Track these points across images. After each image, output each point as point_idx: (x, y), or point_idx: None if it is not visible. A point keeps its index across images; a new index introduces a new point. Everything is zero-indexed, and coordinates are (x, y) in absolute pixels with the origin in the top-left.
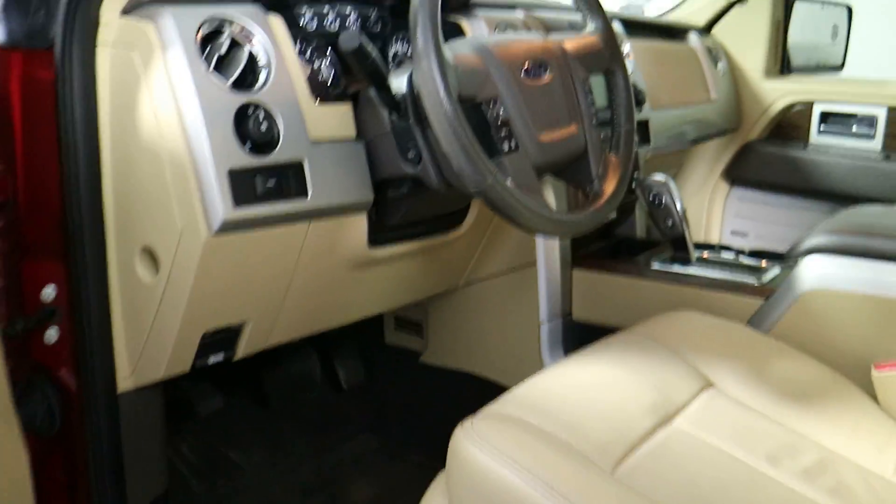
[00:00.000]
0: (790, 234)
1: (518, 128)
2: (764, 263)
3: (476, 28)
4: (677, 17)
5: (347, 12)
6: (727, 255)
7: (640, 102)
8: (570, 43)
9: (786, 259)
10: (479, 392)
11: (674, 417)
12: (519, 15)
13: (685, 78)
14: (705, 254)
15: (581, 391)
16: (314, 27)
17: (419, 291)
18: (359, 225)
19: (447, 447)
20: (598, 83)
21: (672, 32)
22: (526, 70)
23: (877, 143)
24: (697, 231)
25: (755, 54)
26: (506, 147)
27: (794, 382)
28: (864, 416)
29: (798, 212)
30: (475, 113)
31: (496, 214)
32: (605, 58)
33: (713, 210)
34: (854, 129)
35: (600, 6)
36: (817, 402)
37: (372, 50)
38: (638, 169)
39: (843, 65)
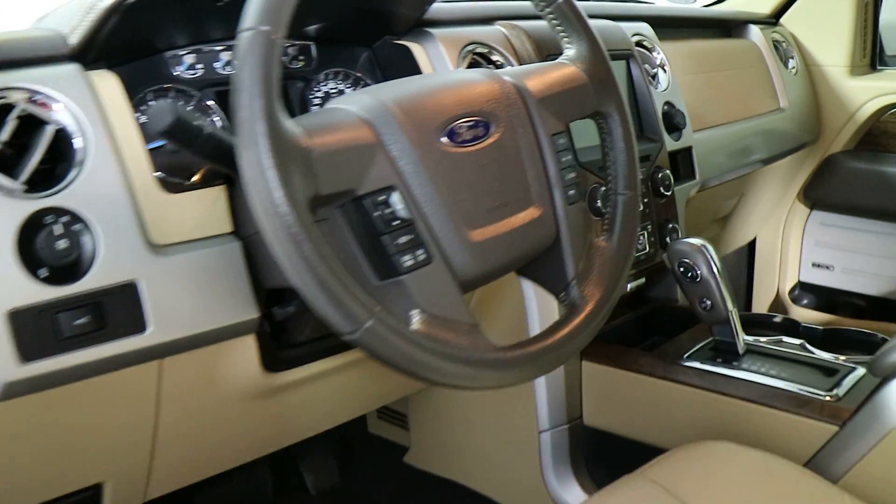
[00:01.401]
0: (886, 269)
1: (429, 228)
2: (843, 359)
3: (434, 54)
4: (735, 6)
5: None
6: (791, 342)
7: (676, 127)
8: (537, 80)
9: (874, 366)
10: None
11: None
12: (499, 31)
13: (745, 84)
14: (762, 339)
15: None
16: (198, 73)
17: (371, 400)
18: (245, 350)
19: None
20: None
21: (726, 27)
22: (451, 133)
23: None
24: (771, 265)
25: (837, 46)
26: (408, 261)
27: None
28: None
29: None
30: (354, 213)
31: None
32: (593, 96)
33: (790, 239)
34: None
35: (582, 18)
36: None
37: (203, 121)
38: (673, 221)
39: None
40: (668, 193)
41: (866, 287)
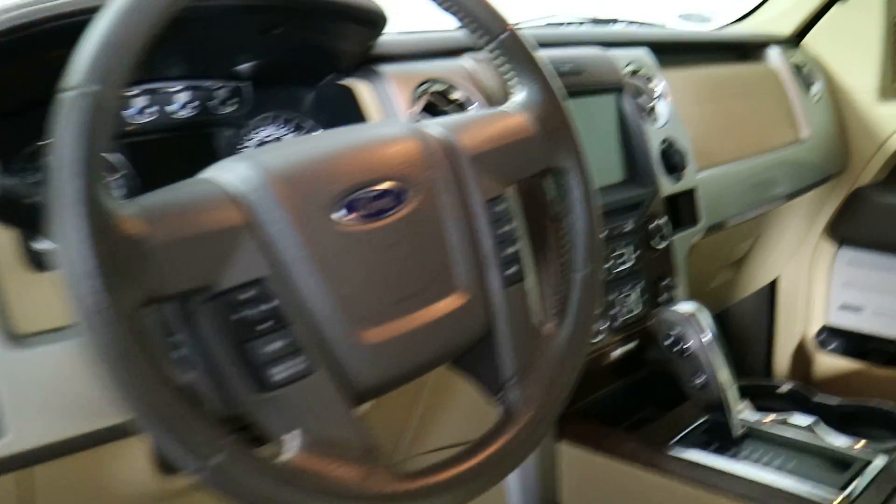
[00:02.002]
0: None
1: (313, 330)
2: (861, 444)
3: (382, 96)
4: (753, 27)
5: (174, 90)
6: (800, 421)
7: (675, 167)
8: (473, 132)
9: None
10: None
11: None
12: (465, 65)
13: (762, 113)
14: (767, 418)
15: None
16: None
17: None
18: (133, 451)
19: None
20: None
21: (741, 50)
22: (349, 206)
23: None
24: (795, 307)
25: (865, 68)
26: (280, 373)
27: None
28: None
29: None
30: (215, 312)
31: None
32: (544, 150)
33: (815, 279)
34: None
35: (531, 56)
36: None
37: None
38: (670, 276)
39: None
40: (663, 246)
41: None
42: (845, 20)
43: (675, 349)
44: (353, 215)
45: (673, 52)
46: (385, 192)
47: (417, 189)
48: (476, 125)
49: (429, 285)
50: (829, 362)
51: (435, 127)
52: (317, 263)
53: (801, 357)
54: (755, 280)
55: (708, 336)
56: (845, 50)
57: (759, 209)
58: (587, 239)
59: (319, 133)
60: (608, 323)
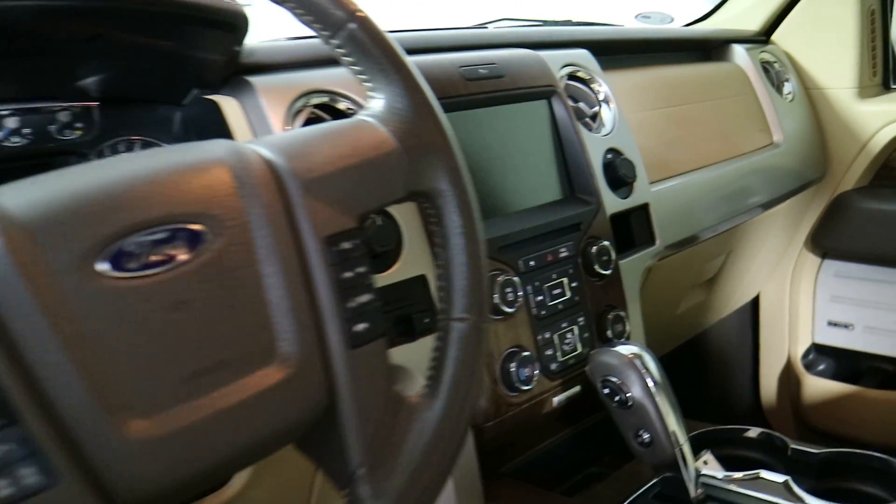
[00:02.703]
0: None
1: (55, 426)
2: None
3: (254, 112)
4: (718, 25)
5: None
6: (773, 479)
7: (622, 181)
8: (310, 151)
9: None
10: None
11: None
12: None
13: (728, 117)
14: (734, 475)
15: None
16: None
17: None
18: None
19: None
20: None
21: (704, 49)
22: (118, 255)
23: None
24: (779, 326)
25: (841, 64)
26: (3, 489)
27: None
28: None
29: None
30: None
31: None
32: (409, 170)
33: (799, 294)
34: None
35: (391, 50)
36: None
37: None
38: (619, 307)
39: None
40: (609, 272)
41: (895, 349)
42: (817, 12)
43: (615, 400)
44: (124, 266)
45: (624, 52)
46: (172, 235)
47: (220, 229)
48: (315, 142)
49: (236, 354)
50: (819, 386)
51: (262, 147)
52: (59, 334)
53: (789, 381)
54: (733, 299)
55: (656, 382)
56: (819, 45)
57: (729, 222)
58: (467, 280)
59: (98, 161)
60: (538, 369)
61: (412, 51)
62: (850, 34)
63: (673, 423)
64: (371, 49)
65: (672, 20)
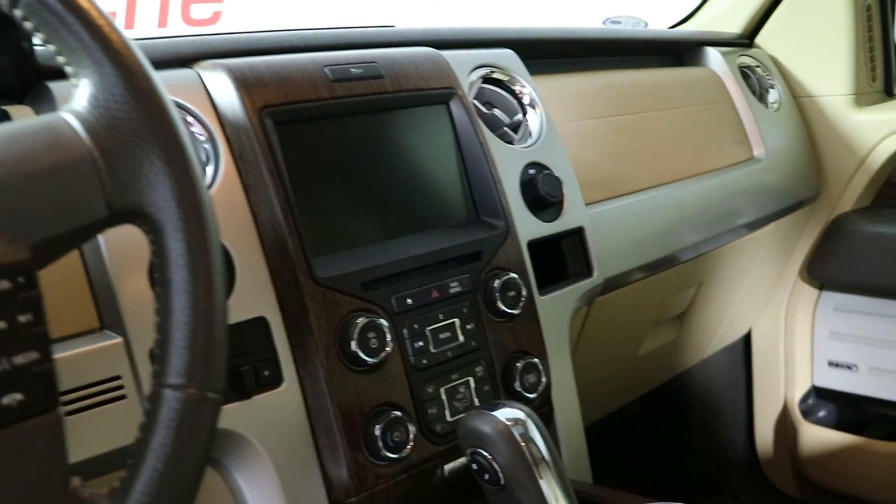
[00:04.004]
0: None
1: None
2: None
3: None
4: (699, 26)
5: None
6: None
7: (546, 201)
8: None
9: None
10: None
11: None
12: (194, 77)
13: (698, 127)
14: None
15: None
16: None
17: None
18: None
19: None
20: None
21: (675, 52)
22: None
23: None
24: (774, 367)
25: (835, 68)
26: None
27: None
28: None
29: None
30: None
31: None
32: (108, 184)
33: (795, 331)
34: None
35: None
36: None
37: None
38: (533, 352)
39: None
40: (518, 311)
41: None
42: (805, 11)
43: (485, 479)
44: None
45: (566, 55)
46: None
47: None
48: None
49: None
50: (819, 436)
51: None
52: None
53: (786, 429)
54: (717, 337)
55: (541, 457)
56: (809, 47)
57: (695, 249)
58: (189, 333)
59: None
60: (416, 432)
61: (275, 51)
62: (844, 34)
63: None
64: (66, 19)
65: (646, 25)
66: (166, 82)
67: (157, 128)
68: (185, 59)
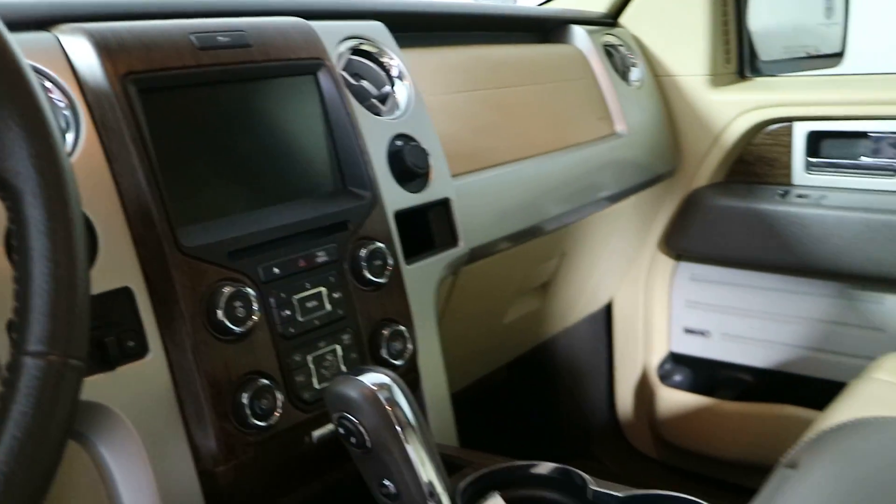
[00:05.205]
0: (774, 333)
1: None
2: None
3: None
4: (562, 5)
5: None
6: None
7: (414, 173)
8: None
9: None
10: None
11: None
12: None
13: (562, 103)
14: None
15: None
16: None
17: None
18: None
19: None
20: None
21: (541, 29)
22: None
23: None
24: (633, 335)
25: (692, 49)
26: None
27: None
28: None
29: (786, 296)
30: None
31: None
32: None
33: (654, 300)
34: (864, 158)
35: None
36: None
37: None
38: (400, 320)
39: (842, 53)
40: (384, 280)
41: (752, 357)
42: None
43: (352, 442)
44: None
45: (437, 29)
46: None
47: None
48: None
49: None
50: (675, 398)
51: None
52: None
53: (644, 393)
54: (580, 306)
55: (406, 422)
56: (668, 28)
57: (559, 220)
58: (49, 300)
59: None
60: (284, 400)
61: (138, 16)
62: (701, 17)
63: (428, 470)
64: None
65: (515, 1)
66: (23, 46)
67: (13, 92)
68: (43, 21)
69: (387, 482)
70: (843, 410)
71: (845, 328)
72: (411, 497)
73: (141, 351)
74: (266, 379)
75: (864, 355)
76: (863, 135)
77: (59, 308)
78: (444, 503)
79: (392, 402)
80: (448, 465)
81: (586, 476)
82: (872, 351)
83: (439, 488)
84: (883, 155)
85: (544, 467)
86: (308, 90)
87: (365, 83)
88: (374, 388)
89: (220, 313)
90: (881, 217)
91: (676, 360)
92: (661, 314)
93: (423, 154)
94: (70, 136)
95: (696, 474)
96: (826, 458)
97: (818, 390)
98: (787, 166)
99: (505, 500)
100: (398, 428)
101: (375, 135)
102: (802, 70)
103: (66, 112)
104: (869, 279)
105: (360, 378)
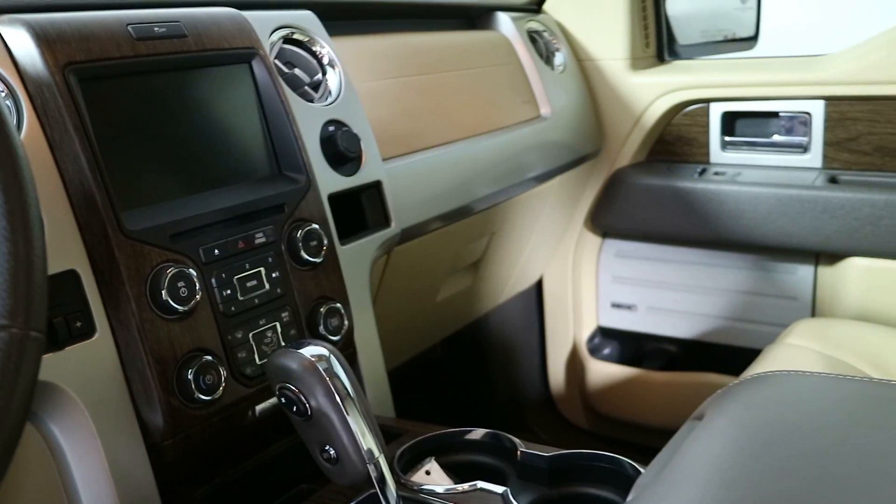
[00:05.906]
0: (695, 305)
1: None
2: None
3: None
4: None
5: None
6: (492, 489)
7: (346, 157)
8: None
9: None
10: None
11: None
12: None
13: (488, 87)
14: (456, 487)
15: None
16: None
17: None
18: None
19: None
20: None
21: (468, 16)
22: None
23: (812, 158)
24: (563, 310)
25: (613, 34)
26: None
27: None
28: None
29: (707, 269)
30: None
31: None
32: None
33: (582, 276)
34: (776, 137)
35: None
36: None
37: None
38: (337, 298)
39: (756, 36)
40: (320, 259)
41: (675, 329)
42: None
43: (293, 411)
44: None
45: (365, 17)
46: None
47: None
48: None
49: None
50: (604, 370)
51: None
52: None
53: (575, 366)
54: (511, 283)
55: (344, 390)
56: (590, 14)
57: (487, 200)
58: (7, 275)
59: None
60: (227, 375)
61: (76, 7)
62: (622, 3)
63: (367, 436)
64: None
65: None
66: None
67: None
68: None
69: (328, 448)
70: (756, 371)
71: (761, 298)
72: (351, 461)
73: (88, 331)
74: (209, 355)
75: (780, 323)
76: (774, 114)
77: (19, 284)
78: (382, 467)
79: (331, 372)
80: (386, 434)
81: (516, 439)
82: (787, 318)
83: (377, 453)
84: (794, 133)
85: (477, 433)
86: (243, 79)
87: (297, 71)
88: (313, 358)
89: (164, 293)
90: (792, 192)
91: (605, 333)
92: (589, 290)
93: (355, 139)
94: None
95: (624, 441)
96: (730, 407)
97: (738, 357)
98: (705, 145)
99: (440, 464)
100: (337, 395)
101: (309, 121)
102: (719, 53)
103: (8, 102)
104: (782, 251)
105: (300, 350)
